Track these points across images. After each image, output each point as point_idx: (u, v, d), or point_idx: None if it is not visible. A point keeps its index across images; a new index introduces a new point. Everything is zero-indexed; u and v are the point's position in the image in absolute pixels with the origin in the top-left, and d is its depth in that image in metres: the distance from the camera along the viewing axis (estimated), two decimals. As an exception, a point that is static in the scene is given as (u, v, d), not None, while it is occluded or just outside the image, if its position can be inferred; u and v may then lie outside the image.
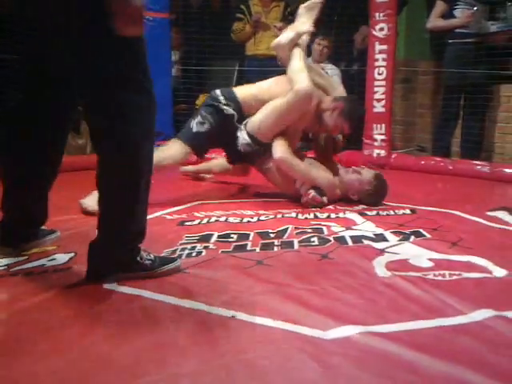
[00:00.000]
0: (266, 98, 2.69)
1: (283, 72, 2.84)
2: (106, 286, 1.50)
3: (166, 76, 4.05)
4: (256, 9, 4.51)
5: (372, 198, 2.61)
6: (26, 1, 1.45)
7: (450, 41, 4.00)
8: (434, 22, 4.10)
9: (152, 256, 1.59)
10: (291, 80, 2.63)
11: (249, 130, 2.64)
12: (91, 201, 2.25)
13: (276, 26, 4.23)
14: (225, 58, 4.79)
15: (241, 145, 2.66)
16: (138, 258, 1.54)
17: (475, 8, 3.86)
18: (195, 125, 2.69)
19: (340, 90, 2.85)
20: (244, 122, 2.69)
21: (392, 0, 3.90)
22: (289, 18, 4.52)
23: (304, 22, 2.83)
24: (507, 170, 3.46)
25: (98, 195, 1.51)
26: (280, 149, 2.56)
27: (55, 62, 1.49)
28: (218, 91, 2.81)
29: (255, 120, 2.63)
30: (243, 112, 2.74)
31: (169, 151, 2.65)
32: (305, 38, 2.80)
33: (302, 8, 2.90)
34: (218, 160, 3.22)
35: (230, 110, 2.72)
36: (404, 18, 4.78)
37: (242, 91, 2.81)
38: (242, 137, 2.65)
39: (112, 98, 1.40)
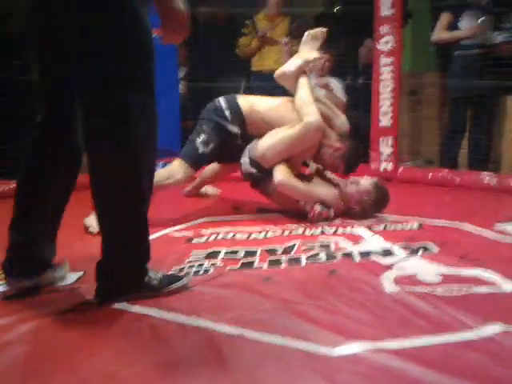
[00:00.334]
0: (274, 119, 2.71)
1: (283, 88, 2.87)
2: (115, 305, 1.51)
3: (174, 92, 4.09)
4: (262, 24, 4.55)
5: (374, 206, 2.62)
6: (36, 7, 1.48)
7: (456, 52, 4.01)
8: (439, 34, 4.12)
9: (160, 275, 1.59)
10: (300, 111, 2.64)
11: (252, 156, 2.65)
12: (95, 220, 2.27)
13: (282, 42, 4.27)
14: (231, 74, 4.83)
15: (244, 170, 2.68)
16: (146, 279, 1.54)
17: (480, 19, 3.88)
18: (201, 145, 2.67)
19: (342, 119, 2.85)
20: (248, 147, 2.69)
21: (397, 13, 3.92)
22: (293, 33, 4.56)
23: (309, 51, 2.84)
24: (514, 182, 3.44)
25: (96, 205, 1.47)
26: (280, 172, 2.56)
27: (56, 63, 1.51)
28: (222, 101, 2.79)
29: (260, 146, 2.64)
30: (247, 128, 2.75)
31: (172, 172, 2.64)
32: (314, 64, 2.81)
33: (306, 36, 2.91)
34: (206, 169, 3.22)
35: (234, 129, 2.73)
36: (409, 31, 4.81)
37: (248, 104, 2.79)
38: (245, 165, 2.67)
39: (112, 98, 1.40)
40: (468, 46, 3.92)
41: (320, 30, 2.88)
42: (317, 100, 2.77)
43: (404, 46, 4.20)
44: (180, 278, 1.65)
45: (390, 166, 4.04)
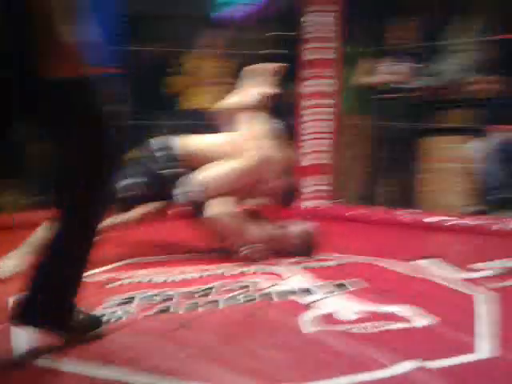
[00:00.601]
0: (216, 157, 2.65)
1: (214, 125, 2.85)
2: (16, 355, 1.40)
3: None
4: (193, 64, 4.57)
5: (301, 250, 2.62)
6: None
7: (377, 96, 4.20)
8: (361, 78, 4.30)
9: (80, 316, 1.51)
10: (244, 145, 2.64)
11: (191, 188, 2.58)
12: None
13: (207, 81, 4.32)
14: (159, 112, 4.78)
15: (179, 200, 2.61)
16: (68, 319, 1.47)
17: (399, 65, 4.09)
18: (126, 189, 2.60)
19: (287, 153, 2.88)
20: (186, 178, 2.62)
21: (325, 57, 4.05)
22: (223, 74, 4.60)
23: (261, 85, 2.84)
24: (431, 219, 3.57)
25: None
26: (214, 207, 2.51)
27: None
28: (155, 145, 2.70)
29: (202, 178, 2.57)
30: (182, 165, 2.66)
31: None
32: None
33: (247, 71, 2.93)
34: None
35: (168, 173, 2.64)
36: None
37: (186, 144, 2.70)
38: (183, 195, 2.59)
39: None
40: (388, 90, 4.11)
41: (278, 65, 2.88)
42: (260, 134, 2.77)
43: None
44: (100, 323, 1.58)
45: (315, 204, 4.10)
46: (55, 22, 1.26)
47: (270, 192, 2.74)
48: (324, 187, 4.26)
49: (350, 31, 4.82)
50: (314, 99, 4.08)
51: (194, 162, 2.66)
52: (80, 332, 1.51)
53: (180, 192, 2.60)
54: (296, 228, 2.66)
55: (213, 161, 2.64)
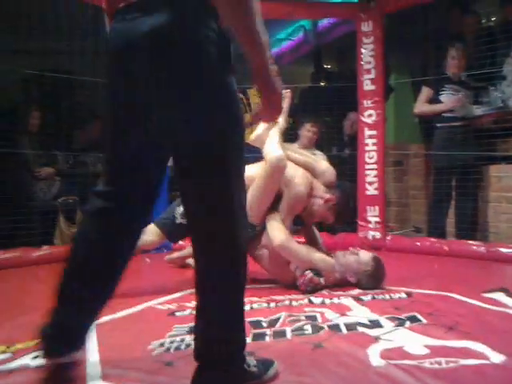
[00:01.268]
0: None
1: None
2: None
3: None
4: (256, 100, 4.65)
5: (370, 279, 2.57)
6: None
7: (438, 124, 4.13)
8: (421, 107, 4.25)
9: (254, 360, 1.48)
10: (265, 155, 2.67)
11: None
12: None
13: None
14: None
15: None
16: (245, 366, 1.43)
17: (460, 94, 4.02)
18: (179, 216, 2.66)
19: (324, 164, 2.87)
20: None
21: (379, 87, 4.08)
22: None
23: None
24: (503, 250, 3.44)
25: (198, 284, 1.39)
26: (278, 234, 2.52)
27: (136, 140, 1.39)
28: None
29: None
30: None
31: (144, 236, 2.57)
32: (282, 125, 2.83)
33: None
34: None
35: None
36: (392, 104, 4.96)
37: None
38: None
39: (215, 185, 1.34)
40: (449, 119, 4.03)
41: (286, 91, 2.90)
42: (287, 148, 2.79)
43: (387, 119, 4.32)
44: (272, 363, 1.54)
45: (378, 235, 4.04)
46: None
47: (319, 210, 2.71)
48: (387, 217, 4.21)
49: (402, 61, 4.84)
50: (374, 129, 4.09)
51: None
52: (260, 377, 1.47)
53: None
54: (366, 255, 2.61)
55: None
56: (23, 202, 3.95)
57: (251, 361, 1.46)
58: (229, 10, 1.20)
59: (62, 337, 1.43)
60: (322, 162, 2.89)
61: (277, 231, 2.53)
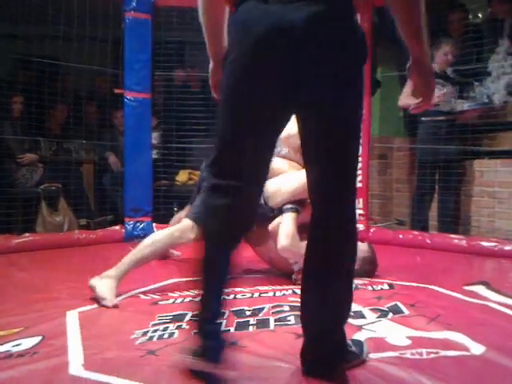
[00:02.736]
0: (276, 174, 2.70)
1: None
2: (72, 371, 1.44)
3: (147, 153, 4.10)
4: None
5: (368, 265, 2.63)
6: None
7: (423, 118, 4.15)
8: (406, 100, 4.27)
9: (349, 340, 1.52)
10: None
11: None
12: (108, 294, 2.15)
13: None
14: (204, 136, 4.89)
15: None
16: (348, 347, 1.47)
17: (444, 89, 4.05)
18: None
19: None
20: None
21: (365, 82, 4.07)
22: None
23: None
24: (484, 244, 3.49)
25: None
26: (285, 235, 2.48)
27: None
28: None
29: (271, 185, 2.61)
30: None
31: (184, 232, 2.50)
32: None
33: None
34: None
35: None
36: (378, 99, 4.97)
37: None
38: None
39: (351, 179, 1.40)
40: (434, 113, 4.05)
41: None
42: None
43: (372, 112, 4.33)
44: (360, 341, 1.60)
45: (361, 227, 4.06)
46: None
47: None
48: (370, 210, 4.24)
49: (388, 54, 4.85)
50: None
51: None
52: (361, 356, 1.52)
53: None
54: (362, 244, 2.63)
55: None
56: (5, 189, 3.90)
57: (348, 341, 1.50)
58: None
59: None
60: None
61: (284, 233, 2.49)
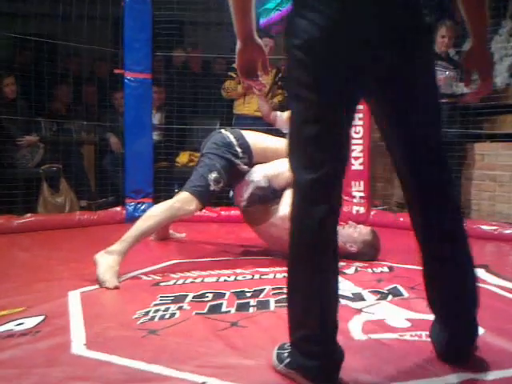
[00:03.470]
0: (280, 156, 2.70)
1: (268, 131, 2.89)
2: (74, 350, 1.45)
3: (147, 134, 4.09)
4: None
5: (370, 248, 2.65)
6: None
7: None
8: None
9: None
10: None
11: (264, 174, 2.66)
12: (108, 275, 2.15)
13: (255, 87, 4.29)
14: (205, 117, 4.87)
15: (254, 188, 2.65)
16: None
17: (447, 72, 4.02)
18: (212, 183, 2.59)
19: None
20: (258, 168, 2.71)
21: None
22: (278, 83, 4.65)
23: None
24: (484, 227, 3.49)
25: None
26: (288, 204, 2.51)
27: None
28: (231, 137, 2.74)
29: (277, 166, 2.64)
30: (252, 162, 2.75)
31: (184, 204, 2.52)
32: None
33: None
34: None
35: (244, 167, 2.71)
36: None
37: (255, 141, 2.79)
38: (257, 181, 2.65)
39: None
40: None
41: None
42: None
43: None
44: None
45: (362, 210, 4.07)
46: None
47: None
48: (371, 193, 4.23)
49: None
50: (361, 105, 4.07)
51: (259, 159, 2.76)
52: None
53: (255, 179, 2.66)
54: (364, 227, 2.69)
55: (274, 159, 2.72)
56: (6, 169, 3.90)
57: None
58: None
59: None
60: None
61: (286, 204, 2.49)
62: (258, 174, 2.69)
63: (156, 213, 2.48)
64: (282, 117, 3.16)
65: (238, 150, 2.71)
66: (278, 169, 2.63)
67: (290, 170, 1.32)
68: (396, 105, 1.32)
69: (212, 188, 2.60)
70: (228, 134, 2.77)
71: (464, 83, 1.47)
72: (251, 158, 2.75)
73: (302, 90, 1.25)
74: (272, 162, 2.72)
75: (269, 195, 2.66)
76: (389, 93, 1.31)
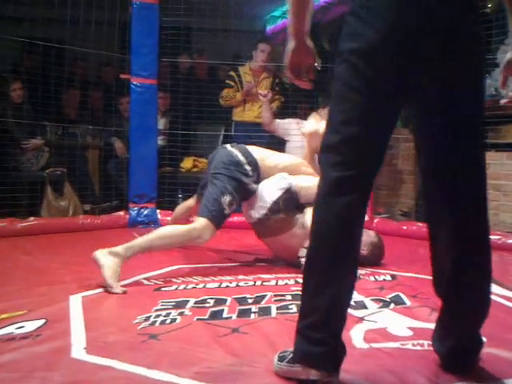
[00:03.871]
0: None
1: (268, 138, 2.87)
2: (75, 355, 1.45)
3: (152, 139, 4.10)
4: (247, 78, 4.62)
5: (377, 250, 2.69)
6: None
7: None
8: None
9: None
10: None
11: (296, 183, 2.67)
12: (115, 280, 2.14)
13: (261, 94, 4.31)
14: (210, 123, 4.88)
15: (283, 193, 2.65)
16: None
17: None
18: (226, 206, 2.55)
19: None
20: (273, 181, 2.70)
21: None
22: (276, 89, 4.67)
23: None
24: (490, 237, 3.47)
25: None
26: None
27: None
28: (238, 154, 2.70)
29: (308, 180, 2.66)
30: (260, 179, 2.74)
31: (202, 233, 2.47)
32: None
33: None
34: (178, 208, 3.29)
35: (254, 187, 2.68)
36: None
37: (261, 157, 2.78)
38: (287, 187, 2.65)
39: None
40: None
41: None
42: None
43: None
44: None
45: (365, 218, 4.05)
46: None
47: None
48: (375, 200, 4.22)
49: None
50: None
51: (266, 176, 2.75)
52: None
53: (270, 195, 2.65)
54: (369, 231, 2.69)
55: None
56: (10, 172, 3.91)
57: None
58: None
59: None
60: None
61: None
62: (287, 181, 2.67)
63: (173, 234, 2.43)
64: (283, 125, 3.14)
65: (248, 168, 2.68)
66: (310, 183, 2.59)
67: (319, 165, 1.34)
68: (440, 117, 1.31)
69: (226, 212, 2.56)
70: (235, 152, 2.72)
71: (500, 86, 1.48)
72: (259, 175, 2.73)
73: (348, 91, 1.27)
74: (301, 175, 2.74)
75: (293, 205, 2.64)
76: (433, 103, 1.30)
